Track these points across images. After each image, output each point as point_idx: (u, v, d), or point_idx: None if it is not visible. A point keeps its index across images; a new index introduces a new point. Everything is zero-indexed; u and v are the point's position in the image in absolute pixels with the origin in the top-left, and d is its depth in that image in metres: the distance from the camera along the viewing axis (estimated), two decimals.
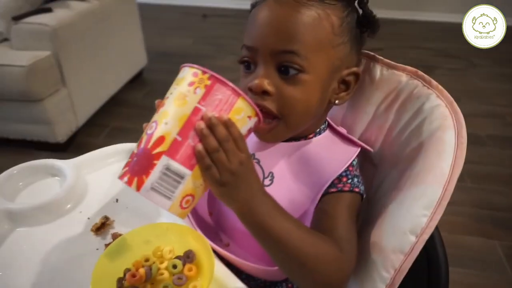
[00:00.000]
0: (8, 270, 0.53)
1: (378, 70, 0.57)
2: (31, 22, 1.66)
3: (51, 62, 1.70)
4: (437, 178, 0.46)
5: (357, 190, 0.51)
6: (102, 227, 0.59)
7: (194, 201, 0.42)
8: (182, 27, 3.63)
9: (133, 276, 0.50)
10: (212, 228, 0.65)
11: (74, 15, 1.81)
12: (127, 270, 0.52)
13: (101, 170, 0.70)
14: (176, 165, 0.38)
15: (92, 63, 1.99)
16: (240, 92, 0.40)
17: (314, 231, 0.46)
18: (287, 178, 0.54)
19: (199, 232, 0.56)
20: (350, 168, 0.52)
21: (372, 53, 0.59)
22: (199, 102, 0.39)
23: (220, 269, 0.52)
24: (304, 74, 0.47)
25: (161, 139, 0.39)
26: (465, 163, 0.46)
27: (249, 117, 0.42)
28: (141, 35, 2.47)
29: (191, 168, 0.39)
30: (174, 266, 0.53)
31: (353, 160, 0.53)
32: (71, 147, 1.90)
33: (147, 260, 0.54)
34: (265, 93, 0.47)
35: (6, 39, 1.75)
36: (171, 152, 0.38)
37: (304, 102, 0.48)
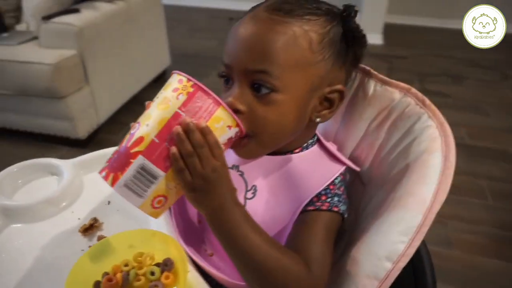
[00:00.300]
0: None
1: (372, 86, 0.56)
2: (58, 22, 1.73)
3: (76, 61, 1.76)
4: (418, 204, 0.44)
5: (336, 209, 0.49)
6: (90, 228, 0.61)
7: (167, 202, 0.44)
8: (208, 29, 3.68)
9: (109, 280, 0.51)
10: (199, 236, 0.65)
11: (100, 16, 1.87)
12: (106, 273, 0.53)
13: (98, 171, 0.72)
14: (150, 166, 0.41)
15: (115, 63, 2.05)
16: (221, 102, 0.42)
17: (284, 248, 0.45)
18: (269, 192, 0.53)
19: (181, 241, 0.56)
20: (331, 187, 0.51)
21: (367, 68, 0.57)
22: (180, 108, 0.41)
23: (196, 280, 0.52)
24: (278, 94, 0.46)
25: (140, 140, 0.41)
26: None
27: (229, 126, 0.43)
28: (165, 36, 2.52)
29: (165, 170, 0.41)
30: (152, 273, 0.53)
31: (335, 178, 0.51)
32: (92, 143, 1.97)
33: (126, 265, 0.54)
34: (237, 111, 0.47)
35: (36, 38, 1.83)
36: (147, 152, 0.40)
37: (276, 122, 0.47)
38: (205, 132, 0.40)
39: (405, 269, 0.57)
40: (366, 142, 0.57)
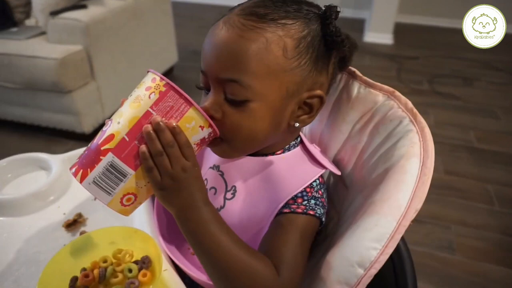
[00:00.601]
0: None
1: (356, 88, 0.54)
2: (65, 18, 1.75)
3: (82, 56, 1.79)
4: (392, 210, 0.42)
5: (311, 213, 0.48)
6: (73, 224, 0.62)
7: (136, 200, 0.44)
8: None
9: (86, 276, 0.52)
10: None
11: (107, 12, 1.88)
12: (83, 269, 0.53)
13: None
14: (120, 163, 0.41)
15: (122, 59, 2.06)
16: (193, 102, 0.41)
17: (253, 251, 0.44)
18: (248, 193, 0.52)
19: (160, 239, 0.57)
20: (308, 189, 0.50)
21: (353, 69, 0.56)
22: (151, 107, 0.41)
23: (172, 279, 0.52)
24: (250, 102, 0.45)
25: (111, 137, 0.41)
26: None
27: (201, 127, 0.43)
28: (173, 33, 2.53)
29: (134, 168, 0.41)
30: (130, 270, 0.53)
31: (314, 181, 0.50)
32: None
33: (105, 261, 0.55)
34: (211, 118, 0.46)
35: (44, 33, 1.86)
36: (117, 150, 0.41)
37: (249, 128, 0.46)
38: (175, 131, 0.40)
39: (385, 271, 0.57)
40: (349, 145, 0.56)
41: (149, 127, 0.39)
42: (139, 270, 0.54)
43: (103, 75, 1.92)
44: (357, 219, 0.46)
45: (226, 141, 0.48)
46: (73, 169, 0.42)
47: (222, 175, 0.55)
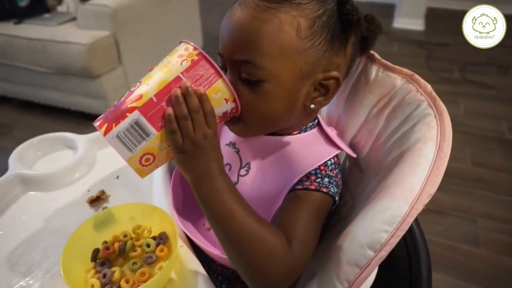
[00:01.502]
0: (13, 228, 0.61)
1: (374, 71, 0.54)
2: (94, 4, 1.79)
3: (109, 42, 1.83)
4: (405, 193, 0.42)
5: (324, 190, 0.48)
6: (96, 200, 0.65)
7: (154, 162, 0.45)
8: None
9: (107, 249, 0.54)
10: (200, 210, 0.67)
11: None
12: (105, 242, 0.56)
13: (110, 147, 0.76)
14: (144, 122, 0.42)
15: (148, 44, 2.10)
16: (222, 74, 0.43)
17: (266, 222, 0.45)
18: (262, 171, 0.53)
19: (175, 215, 0.59)
20: (322, 167, 0.50)
21: (371, 52, 0.55)
22: (182, 73, 0.42)
23: (187, 255, 0.54)
24: (265, 83, 0.45)
25: (139, 97, 0.42)
26: None
27: (226, 100, 0.44)
28: (198, 19, 2.55)
29: (158, 129, 0.42)
30: (148, 245, 0.56)
31: (328, 160, 0.50)
32: None
33: (125, 235, 0.58)
34: None
35: (74, 19, 1.92)
36: (144, 109, 0.42)
37: (262, 109, 0.47)
38: (202, 98, 0.42)
39: (400, 257, 0.56)
40: (365, 129, 0.55)
41: (178, 91, 0.41)
42: (157, 245, 0.56)
43: (130, 60, 1.97)
44: (370, 202, 0.46)
45: (242, 121, 0.49)
46: (98, 123, 0.43)
47: (237, 152, 0.56)
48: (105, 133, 0.42)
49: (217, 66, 0.42)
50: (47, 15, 2.02)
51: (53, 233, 0.60)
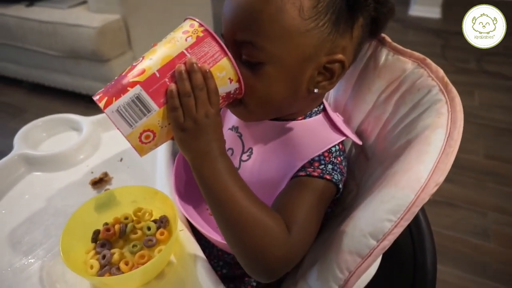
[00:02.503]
0: (16, 207, 0.61)
1: (383, 55, 0.51)
2: None
3: (119, 25, 1.82)
4: (411, 182, 0.40)
5: (328, 177, 0.47)
6: (99, 182, 0.64)
7: (154, 140, 0.44)
8: None
9: (108, 230, 0.54)
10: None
11: None
12: (105, 224, 0.56)
13: (115, 129, 0.75)
14: (146, 97, 0.41)
15: (158, 28, 2.08)
16: (228, 52, 0.41)
17: (265, 206, 0.43)
18: (264, 156, 0.52)
19: (176, 199, 0.58)
20: (326, 154, 0.48)
21: (383, 35, 0.53)
22: (186, 49, 0.41)
23: (187, 239, 0.54)
24: (266, 65, 0.44)
25: (141, 71, 0.41)
26: None
27: (230, 79, 0.43)
28: (209, 4, 2.51)
29: (160, 105, 0.41)
30: (148, 228, 0.56)
31: (333, 146, 0.49)
32: None
33: (126, 218, 0.57)
34: None
35: (85, 2, 1.91)
36: (146, 84, 0.40)
37: (263, 92, 0.45)
38: (207, 76, 0.41)
39: (405, 248, 0.55)
40: (373, 115, 0.53)
41: (182, 67, 0.40)
42: (157, 228, 0.56)
43: (140, 44, 1.96)
44: (374, 190, 0.44)
45: (243, 104, 0.48)
46: (97, 96, 0.42)
47: (240, 136, 0.55)
48: (104, 107, 0.41)
49: (222, 44, 0.41)
50: None
51: (55, 213, 0.60)
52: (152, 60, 0.41)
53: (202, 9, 2.48)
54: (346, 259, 0.42)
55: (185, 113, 0.41)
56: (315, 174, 0.47)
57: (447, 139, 0.41)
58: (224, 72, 0.42)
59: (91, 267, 0.50)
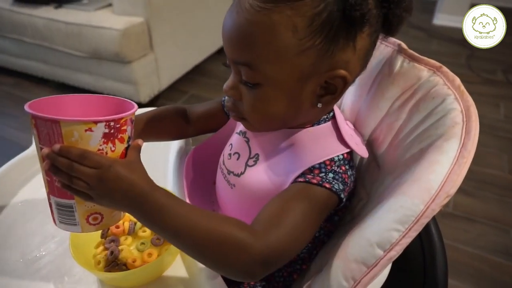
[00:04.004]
0: (31, 200, 0.63)
1: (399, 62, 0.50)
2: None
3: (142, 28, 1.86)
4: (421, 192, 0.39)
5: (327, 185, 0.45)
6: None
7: (104, 216, 0.44)
8: None
9: (117, 227, 0.55)
10: (210, 197, 0.67)
11: None
12: None
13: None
14: (60, 200, 0.42)
15: (180, 32, 2.12)
16: (58, 117, 0.38)
17: (219, 216, 0.42)
18: (269, 163, 0.52)
19: (187, 199, 0.59)
20: (327, 162, 0.47)
21: (398, 42, 0.52)
22: (39, 144, 0.40)
23: None
24: (262, 86, 0.44)
25: (45, 182, 0.43)
26: None
27: (88, 129, 0.39)
28: None
29: (71, 197, 0.42)
30: None
31: (336, 156, 0.48)
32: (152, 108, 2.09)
33: None
34: (230, 97, 0.48)
35: (110, 4, 1.96)
36: (51, 191, 0.43)
37: (263, 110, 0.46)
38: (64, 152, 0.38)
39: (416, 261, 0.54)
40: (385, 123, 0.52)
41: (46, 165, 0.39)
42: None
43: (162, 47, 1.99)
44: (383, 199, 0.43)
45: (246, 120, 0.48)
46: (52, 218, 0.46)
47: (247, 141, 0.55)
48: (56, 224, 0.45)
49: (46, 116, 0.38)
50: (85, 1, 2.08)
51: None
52: (41, 167, 0.42)
53: (225, 12, 2.50)
54: (352, 267, 0.42)
55: (85, 190, 0.39)
56: (314, 181, 0.46)
57: (460, 150, 0.40)
58: (75, 132, 0.38)
59: (99, 262, 0.51)
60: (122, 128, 0.41)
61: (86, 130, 0.39)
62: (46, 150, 0.39)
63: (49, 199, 0.43)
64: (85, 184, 0.39)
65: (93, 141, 0.39)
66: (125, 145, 0.43)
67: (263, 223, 0.42)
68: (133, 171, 0.40)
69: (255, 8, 0.41)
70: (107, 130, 0.40)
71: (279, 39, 0.41)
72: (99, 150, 0.40)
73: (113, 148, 0.41)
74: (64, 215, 0.43)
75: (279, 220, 0.42)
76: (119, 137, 0.41)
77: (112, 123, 0.40)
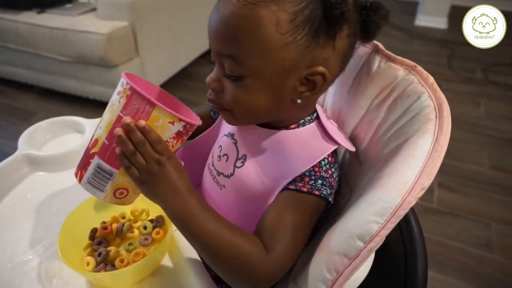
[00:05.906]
0: (19, 205, 0.63)
1: (376, 62, 0.52)
2: None
3: (127, 32, 1.86)
4: (398, 185, 0.41)
5: (316, 193, 0.48)
6: None
7: (129, 193, 0.48)
8: None
9: (105, 228, 0.56)
10: None
11: None
12: (103, 222, 0.58)
13: None
14: (104, 165, 0.45)
15: (166, 36, 2.12)
16: (156, 103, 0.42)
17: (240, 232, 0.45)
18: (257, 164, 0.53)
19: None
20: (316, 169, 0.49)
21: (376, 43, 0.54)
22: (121, 111, 0.43)
23: (182, 238, 0.55)
24: (246, 78, 0.45)
25: (95, 142, 0.45)
26: None
27: (171, 122, 0.44)
28: None
29: (117, 167, 0.45)
30: (145, 227, 0.57)
31: (322, 160, 0.50)
32: None
33: (123, 217, 0.59)
34: (213, 90, 0.49)
35: (94, 9, 1.95)
36: (101, 153, 0.45)
37: (246, 103, 0.47)
38: (145, 130, 0.42)
39: (397, 254, 0.56)
40: (366, 120, 0.54)
41: (119, 131, 0.42)
42: (153, 228, 0.57)
43: (147, 51, 1.99)
44: (362, 194, 0.45)
45: (229, 111, 0.49)
46: (75, 171, 0.48)
47: (235, 143, 0.56)
48: (80, 181, 0.47)
49: (148, 97, 0.42)
50: (68, 5, 2.07)
51: (56, 212, 0.62)
52: (101, 128, 0.45)
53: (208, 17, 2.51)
54: (335, 260, 0.43)
55: (138, 169, 0.43)
56: (304, 189, 0.48)
57: (434, 144, 0.42)
58: (161, 120, 0.43)
59: (88, 263, 0.51)
60: (188, 132, 0.46)
61: (169, 122, 0.44)
62: (128, 119, 0.42)
63: (90, 157, 0.45)
64: (143, 163, 0.43)
65: (168, 132, 0.44)
66: (180, 147, 0.47)
67: (265, 240, 0.45)
68: (183, 169, 0.46)
69: (241, 1, 0.43)
70: (182, 129, 0.45)
71: (262, 32, 0.43)
72: (167, 141, 0.44)
73: (174, 145, 0.46)
74: (98, 179, 0.45)
75: (280, 235, 0.45)
76: (183, 138, 0.47)
77: (188, 126, 0.45)
